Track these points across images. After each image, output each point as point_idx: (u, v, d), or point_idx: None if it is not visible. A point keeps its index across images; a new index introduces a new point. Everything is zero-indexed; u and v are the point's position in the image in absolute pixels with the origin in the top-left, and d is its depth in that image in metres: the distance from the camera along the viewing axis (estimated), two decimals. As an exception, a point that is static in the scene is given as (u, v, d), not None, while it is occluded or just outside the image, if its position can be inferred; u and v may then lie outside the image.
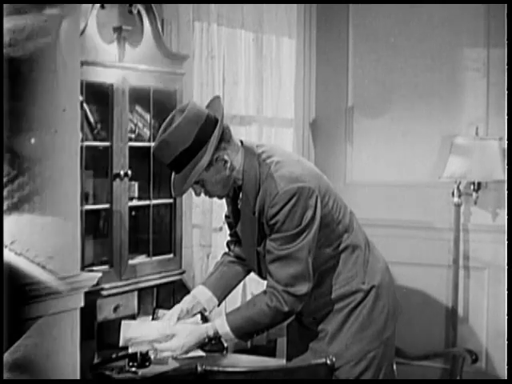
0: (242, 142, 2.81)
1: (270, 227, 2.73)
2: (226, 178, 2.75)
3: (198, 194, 2.82)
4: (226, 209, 3.02)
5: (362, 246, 2.90)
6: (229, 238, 3.09)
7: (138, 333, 2.88)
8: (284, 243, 2.70)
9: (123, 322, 2.95)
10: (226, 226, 3.12)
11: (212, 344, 2.85)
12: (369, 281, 2.86)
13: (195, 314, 2.93)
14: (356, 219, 2.95)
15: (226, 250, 3.10)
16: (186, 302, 2.96)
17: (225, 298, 3.01)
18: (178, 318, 2.90)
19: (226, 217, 3.03)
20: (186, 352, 2.82)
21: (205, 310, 2.95)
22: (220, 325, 2.78)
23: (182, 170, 2.69)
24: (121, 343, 2.90)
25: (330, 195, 2.82)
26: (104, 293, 3.42)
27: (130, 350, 2.93)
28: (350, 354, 2.82)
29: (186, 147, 2.66)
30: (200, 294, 2.98)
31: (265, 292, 2.77)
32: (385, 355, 2.88)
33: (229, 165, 2.73)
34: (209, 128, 2.68)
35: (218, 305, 2.99)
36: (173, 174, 2.77)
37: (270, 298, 2.73)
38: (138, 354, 3.26)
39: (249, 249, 2.87)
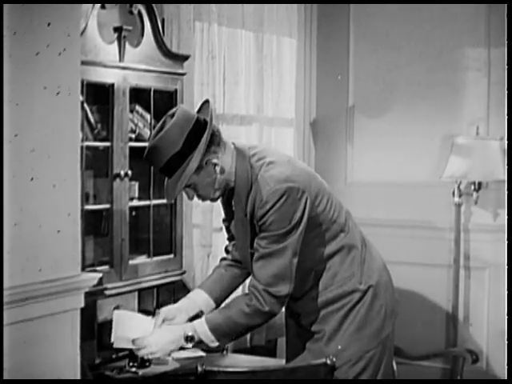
0: (234, 144, 2.82)
1: (259, 227, 2.73)
2: (217, 181, 2.75)
3: (190, 198, 2.83)
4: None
5: (359, 246, 2.90)
6: (227, 243, 3.09)
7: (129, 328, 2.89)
8: (270, 242, 2.70)
9: (116, 312, 2.96)
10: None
11: (194, 346, 2.82)
12: (366, 281, 2.86)
13: (193, 317, 2.91)
14: (352, 219, 2.94)
15: (225, 254, 3.09)
16: (182, 304, 2.95)
17: (224, 299, 3.00)
18: (164, 320, 2.88)
19: (224, 220, 3.03)
20: (163, 350, 2.79)
21: (202, 312, 2.93)
22: (199, 324, 2.78)
23: (173, 174, 2.70)
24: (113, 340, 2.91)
25: (323, 195, 2.81)
26: (105, 293, 3.42)
27: (114, 346, 2.93)
28: (348, 353, 2.81)
29: (176, 152, 2.67)
30: (196, 296, 2.97)
31: (247, 294, 2.77)
32: (383, 354, 2.88)
33: (219, 168, 2.73)
34: (198, 132, 2.69)
35: (217, 306, 2.97)
36: (166, 179, 2.77)
37: (250, 298, 2.73)
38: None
39: (243, 251, 2.87)
